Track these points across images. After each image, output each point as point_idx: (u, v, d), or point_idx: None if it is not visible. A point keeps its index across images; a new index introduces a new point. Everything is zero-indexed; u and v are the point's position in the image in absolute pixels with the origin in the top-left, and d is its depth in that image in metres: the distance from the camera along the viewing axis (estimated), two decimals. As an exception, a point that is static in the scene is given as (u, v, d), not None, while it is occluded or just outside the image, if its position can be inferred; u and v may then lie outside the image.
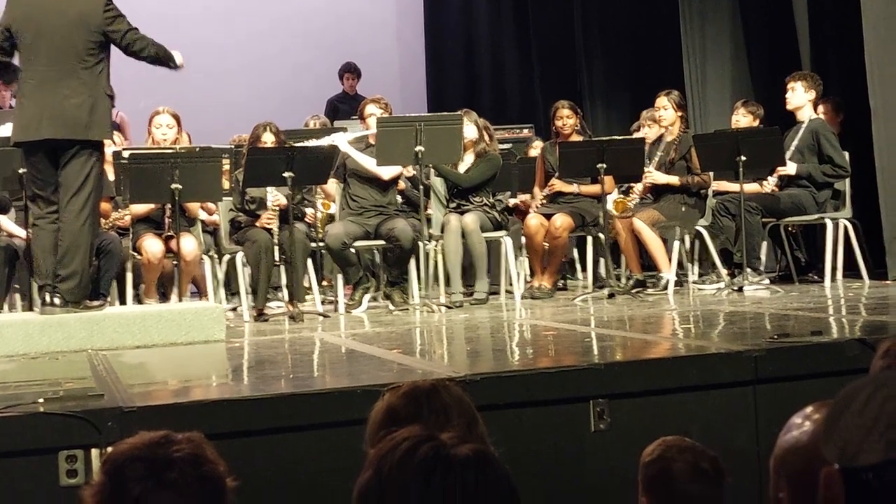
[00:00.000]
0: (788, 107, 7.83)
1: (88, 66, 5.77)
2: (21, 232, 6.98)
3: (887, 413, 1.31)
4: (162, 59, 6.02)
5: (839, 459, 1.32)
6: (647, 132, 8.40)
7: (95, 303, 6.03)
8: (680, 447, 2.52)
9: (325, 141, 7.53)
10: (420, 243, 7.31)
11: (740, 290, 7.16)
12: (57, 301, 5.71)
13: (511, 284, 7.78)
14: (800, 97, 7.76)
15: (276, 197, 7.30)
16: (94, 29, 5.77)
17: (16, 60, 5.98)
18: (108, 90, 5.86)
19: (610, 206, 7.79)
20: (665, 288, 7.53)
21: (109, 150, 7.69)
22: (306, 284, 7.66)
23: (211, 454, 1.72)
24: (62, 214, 5.80)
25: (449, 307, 7.20)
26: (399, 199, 7.93)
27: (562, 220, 7.77)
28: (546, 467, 3.70)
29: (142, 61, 6.00)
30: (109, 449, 3.20)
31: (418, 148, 7.07)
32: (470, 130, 7.76)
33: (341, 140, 7.58)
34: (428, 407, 2.24)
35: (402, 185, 7.96)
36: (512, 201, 8.82)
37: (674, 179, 7.79)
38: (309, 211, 7.79)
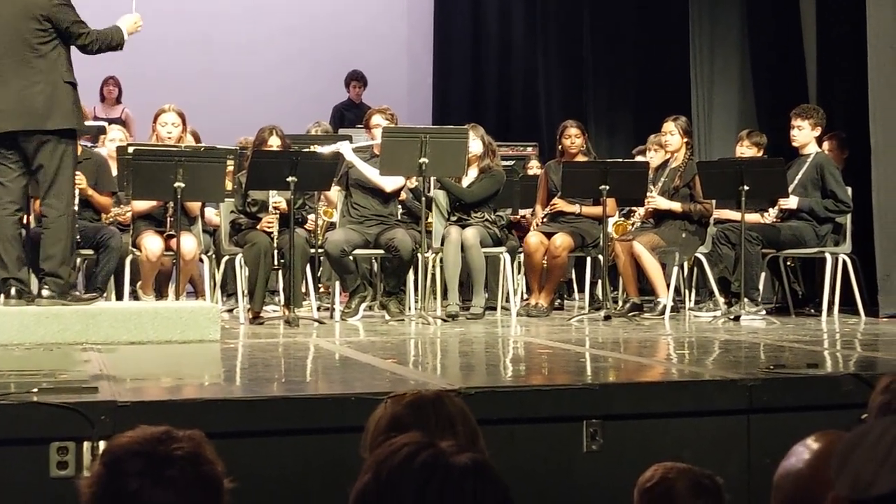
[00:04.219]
0: (794, 144, 7.82)
1: (41, 53, 5.70)
2: None
3: None
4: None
5: (851, 491, 1.33)
6: (652, 156, 8.40)
7: (87, 296, 6.05)
8: (678, 469, 2.52)
9: (330, 148, 7.52)
10: (419, 255, 7.31)
11: (737, 319, 7.16)
12: (45, 293, 5.72)
13: (508, 301, 7.78)
14: (806, 135, 7.75)
15: (277, 200, 7.30)
16: (40, 15, 5.69)
17: None
18: (67, 77, 5.76)
19: (610, 228, 7.80)
20: (661, 313, 7.53)
21: (113, 144, 7.72)
22: (304, 290, 7.66)
23: (210, 454, 1.71)
24: (43, 209, 5.79)
25: (445, 320, 7.19)
26: (400, 209, 7.93)
27: (562, 240, 7.77)
28: (536, 485, 3.70)
29: (88, 54, 5.92)
30: (102, 442, 3.23)
31: (422, 160, 7.07)
32: (476, 145, 7.75)
33: (346, 148, 7.58)
34: (435, 417, 2.23)
35: (403, 195, 7.95)
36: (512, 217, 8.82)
37: (676, 206, 7.78)
38: (310, 217, 7.79)
